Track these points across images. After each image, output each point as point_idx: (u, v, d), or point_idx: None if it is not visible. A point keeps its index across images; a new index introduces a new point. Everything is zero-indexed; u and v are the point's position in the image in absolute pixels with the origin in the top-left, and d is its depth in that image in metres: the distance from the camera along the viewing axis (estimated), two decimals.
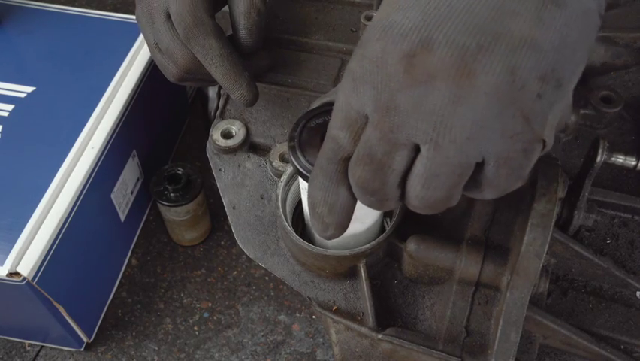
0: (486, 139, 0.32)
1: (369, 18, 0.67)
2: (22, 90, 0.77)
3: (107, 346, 0.78)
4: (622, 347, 0.55)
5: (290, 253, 0.57)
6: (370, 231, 0.53)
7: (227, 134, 0.62)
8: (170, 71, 0.60)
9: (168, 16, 0.57)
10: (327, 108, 0.45)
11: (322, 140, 0.41)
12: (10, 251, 0.62)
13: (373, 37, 0.34)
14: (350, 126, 0.36)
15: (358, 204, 0.41)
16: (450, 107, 0.31)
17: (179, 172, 0.79)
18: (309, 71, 0.69)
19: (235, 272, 0.84)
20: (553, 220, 0.48)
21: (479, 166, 0.34)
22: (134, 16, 0.86)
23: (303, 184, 0.48)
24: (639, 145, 0.62)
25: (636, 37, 0.63)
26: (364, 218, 0.51)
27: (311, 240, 0.55)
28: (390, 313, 0.54)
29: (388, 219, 0.57)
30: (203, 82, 0.62)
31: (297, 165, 0.43)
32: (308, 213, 0.49)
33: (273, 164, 0.59)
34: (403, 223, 0.54)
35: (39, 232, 0.64)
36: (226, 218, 0.64)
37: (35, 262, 0.62)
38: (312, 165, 0.43)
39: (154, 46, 0.60)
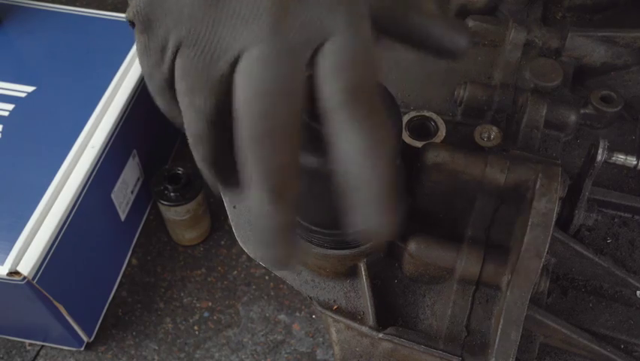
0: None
1: None
2: (22, 90, 0.77)
3: (107, 345, 0.78)
4: (622, 346, 0.55)
5: None
6: None
7: None
8: None
9: None
10: None
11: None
12: (10, 251, 0.62)
13: None
14: None
15: None
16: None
17: (180, 172, 0.79)
18: None
19: (235, 272, 0.84)
20: (554, 220, 0.48)
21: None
22: None
23: None
24: (639, 145, 0.62)
25: (636, 37, 0.63)
26: None
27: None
28: (391, 313, 0.54)
29: None
30: None
31: None
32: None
33: None
34: (404, 223, 0.54)
35: (39, 232, 0.65)
36: (226, 217, 0.64)
37: (35, 261, 0.62)
38: None
39: None
